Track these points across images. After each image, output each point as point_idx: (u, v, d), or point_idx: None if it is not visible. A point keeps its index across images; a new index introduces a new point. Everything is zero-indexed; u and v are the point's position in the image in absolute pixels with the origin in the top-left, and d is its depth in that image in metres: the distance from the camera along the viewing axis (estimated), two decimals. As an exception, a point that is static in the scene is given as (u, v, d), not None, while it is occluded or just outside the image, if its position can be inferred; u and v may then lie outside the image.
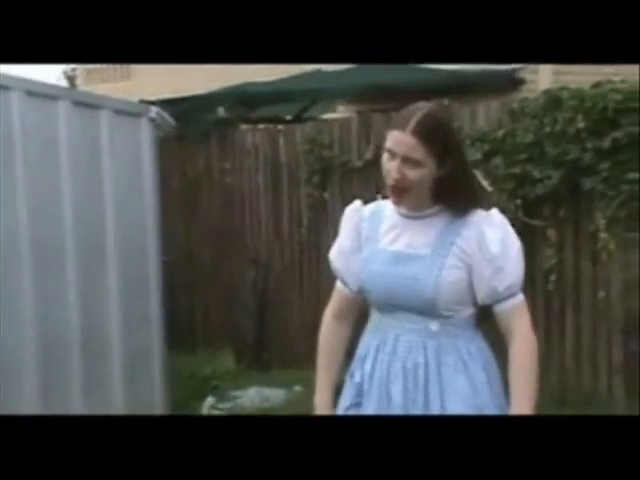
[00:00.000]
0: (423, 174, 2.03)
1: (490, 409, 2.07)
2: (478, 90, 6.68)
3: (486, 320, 2.15)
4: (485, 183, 2.18)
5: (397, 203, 2.11)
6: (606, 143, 4.54)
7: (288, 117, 7.68)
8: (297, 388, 5.43)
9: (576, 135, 4.66)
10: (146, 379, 4.92)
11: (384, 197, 2.19)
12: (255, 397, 5.43)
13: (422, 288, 2.05)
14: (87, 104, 4.53)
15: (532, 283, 4.65)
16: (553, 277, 4.84)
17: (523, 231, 2.19)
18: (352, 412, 2.17)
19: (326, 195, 5.94)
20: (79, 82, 14.21)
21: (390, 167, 2.04)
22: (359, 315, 2.32)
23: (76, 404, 4.24)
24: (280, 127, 6.89)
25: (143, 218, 4.99)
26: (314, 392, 2.30)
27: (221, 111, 6.70)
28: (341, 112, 8.79)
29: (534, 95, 5.24)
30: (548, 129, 4.77)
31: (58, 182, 4.22)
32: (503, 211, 2.15)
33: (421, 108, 2.04)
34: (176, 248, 6.26)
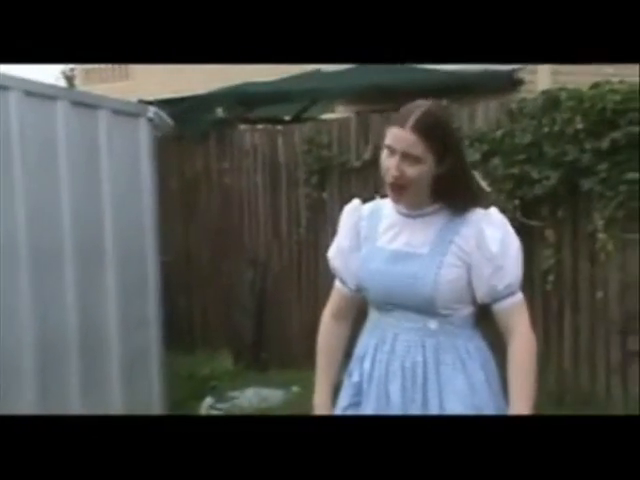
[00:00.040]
0: (422, 171, 2.03)
1: (488, 409, 2.07)
2: (477, 91, 6.68)
3: (485, 319, 2.15)
4: (484, 183, 2.18)
5: (396, 201, 2.11)
6: (604, 144, 4.54)
7: (287, 117, 7.68)
8: (295, 389, 5.43)
9: (574, 136, 4.67)
10: (144, 379, 4.92)
11: (383, 196, 2.19)
12: (253, 397, 5.43)
13: (421, 286, 2.05)
14: (85, 104, 4.53)
15: (530, 283, 4.65)
16: (551, 277, 4.84)
17: (521, 231, 2.18)
18: (350, 412, 2.17)
19: (325, 195, 5.94)
20: (77, 82, 14.19)
21: (389, 164, 2.04)
22: (358, 314, 2.32)
23: (74, 404, 4.24)
24: (279, 127, 6.89)
25: (141, 218, 4.99)
26: (312, 393, 2.30)
27: (220, 111, 6.70)
28: (340, 112, 8.79)
29: (533, 96, 5.24)
30: (546, 130, 4.77)
31: (56, 182, 4.22)
32: (501, 211, 2.16)
33: (420, 106, 2.05)
34: (174, 248, 6.25)
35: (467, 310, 2.12)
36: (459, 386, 2.06)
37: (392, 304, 2.11)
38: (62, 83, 19.15)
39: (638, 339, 4.55)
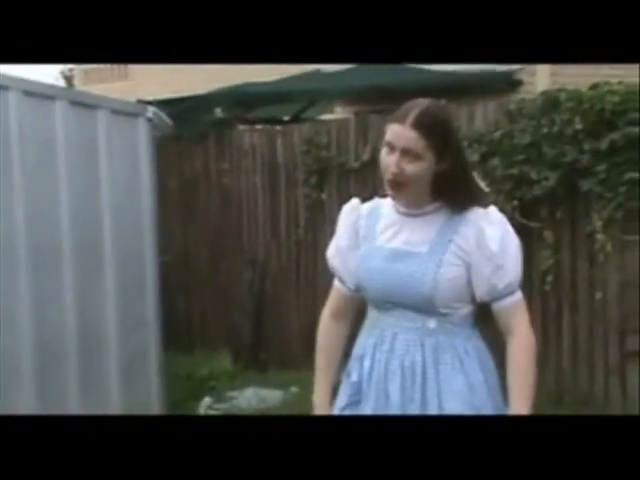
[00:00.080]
0: (422, 168, 2.03)
1: (487, 408, 2.07)
2: (476, 91, 6.69)
3: (483, 320, 2.15)
4: (482, 184, 2.18)
5: (395, 198, 2.11)
6: (603, 145, 4.55)
7: (286, 118, 7.68)
8: (294, 389, 5.42)
9: (573, 137, 4.67)
10: (143, 380, 4.92)
11: (382, 196, 2.19)
12: (252, 398, 5.43)
13: (420, 285, 2.05)
14: (84, 104, 4.52)
15: (529, 284, 4.65)
16: (550, 278, 4.85)
17: (520, 232, 2.18)
18: (348, 411, 2.17)
19: (323, 196, 5.94)
20: (76, 82, 14.19)
21: (389, 161, 2.04)
22: (356, 314, 2.32)
23: (73, 404, 4.23)
24: (278, 128, 6.89)
25: (140, 218, 4.99)
26: (311, 393, 2.30)
27: (219, 111, 6.70)
28: (339, 113, 8.80)
29: (532, 96, 5.24)
30: (545, 130, 4.77)
31: (55, 182, 4.21)
32: (500, 212, 2.16)
33: (420, 103, 2.05)
34: (173, 248, 6.25)
35: (466, 309, 2.11)
36: (458, 386, 2.06)
37: (391, 303, 2.11)
38: (61, 83, 19.14)
39: (638, 339, 4.55)
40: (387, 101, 4.24)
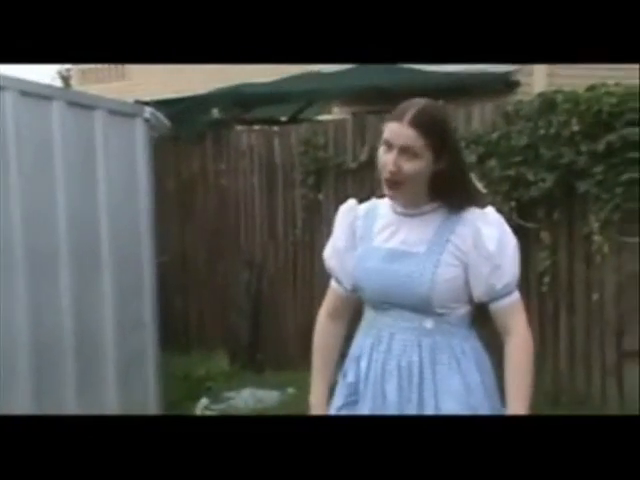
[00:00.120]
0: (420, 166, 2.03)
1: (483, 409, 2.07)
2: (473, 92, 6.70)
3: (481, 320, 2.15)
4: (480, 185, 2.19)
5: (392, 197, 2.11)
6: (600, 146, 4.55)
7: (283, 118, 7.69)
8: (291, 390, 5.42)
9: (570, 138, 4.68)
10: (140, 380, 4.92)
11: (379, 196, 2.19)
12: (249, 398, 5.43)
13: (417, 285, 2.05)
14: (81, 104, 4.52)
15: (526, 285, 4.65)
16: (547, 279, 4.85)
17: (517, 233, 2.18)
18: (345, 412, 2.17)
19: (321, 196, 5.94)
20: (73, 82, 14.19)
21: (386, 159, 2.04)
22: (353, 315, 2.32)
23: (70, 405, 4.23)
24: (275, 128, 6.88)
25: (137, 219, 4.98)
26: (308, 394, 2.30)
27: (216, 112, 6.70)
28: (336, 114, 8.80)
29: (529, 98, 5.25)
30: (543, 132, 4.78)
31: (52, 182, 4.21)
32: (498, 213, 2.16)
33: (418, 102, 2.06)
34: (170, 249, 6.25)
35: (463, 309, 2.12)
36: (455, 386, 2.06)
37: (388, 303, 2.11)
38: (58, 83, 19.14)
39: (638, 338, 4.55)
40: (385, 102, 4.24)
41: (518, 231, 2.38)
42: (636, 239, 4.53)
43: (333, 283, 2.30)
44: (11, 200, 3.92)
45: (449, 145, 2.06)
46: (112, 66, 12.40)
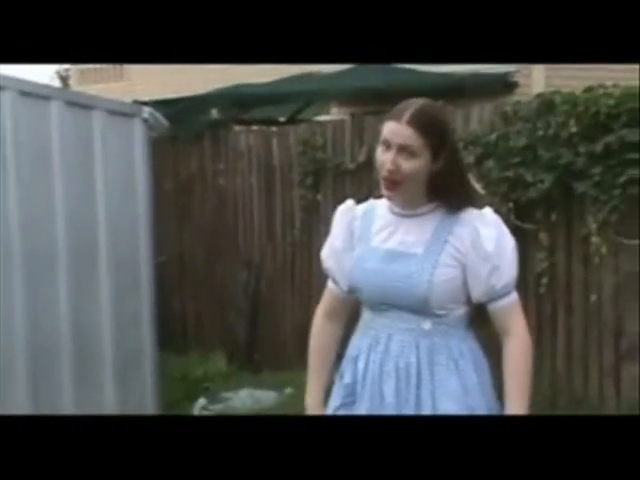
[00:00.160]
0: (418, 166, 2.03)
1: (481, 409, 2.07)
2: (471, 93, 6.70)
3: (478, 322, 2.16)
4: (478, 186, 2.19)
5: (390, 197, 2.11)
6: (598, 147, 4.56)
7: (282, 119, 7.69)
8: (288, 390, 5.42)
9: (569, 139, 4.68)
10: (138, 381, 4.92)
11: (377, 197, 2.19)
12: (246, 399, 5.43)
13: (416, 286, 2.05)
14: (80, 104, 4.52)
15: (524, 286, 4.65)
16: (545, 280, 4.85)
17: (515, 234, 2.18)
18: (342, 412, 2.16)
19: (319, 197, 5.94)
20: (72, 82, 14.18)
21: (385, 158, 2.04)
22: (350, 315, 2.31)
23: (68, 405, 4.23)
24: (273, 129, 6.89)
25: (136, 219, 4.98)
26: (305, 394, 2.30)
27: (214, 112, 6.70)
28: (334, 114, 8.80)
29: (527, 99, 5.25)
30: (541, 133, 4.78)
31: (50, 182, 4.21)
32: (495, 213, 2.16)
33: (417, 102, 2.06)
34: (169, 249, 6.25)
35: (461, 310, 2.12)
36: (452, 387, 2.06)
37: (386, 304, 2.10)
38: (57, 83, 19.13)
39: (638, 338, 4.55)
40: (383, 102, 4.25)
41: (516, 232, 2.39)
42: (634, 241, 4.54)
43: (330, 283, 2.30)
44: (9, 199, 3.92)
45: (447, 145, 2.06)
46: (111, 66, 12.39)
